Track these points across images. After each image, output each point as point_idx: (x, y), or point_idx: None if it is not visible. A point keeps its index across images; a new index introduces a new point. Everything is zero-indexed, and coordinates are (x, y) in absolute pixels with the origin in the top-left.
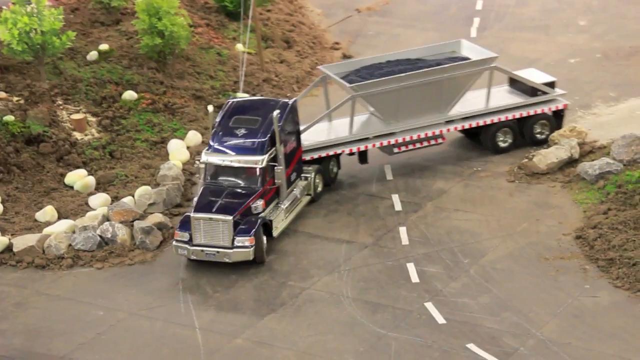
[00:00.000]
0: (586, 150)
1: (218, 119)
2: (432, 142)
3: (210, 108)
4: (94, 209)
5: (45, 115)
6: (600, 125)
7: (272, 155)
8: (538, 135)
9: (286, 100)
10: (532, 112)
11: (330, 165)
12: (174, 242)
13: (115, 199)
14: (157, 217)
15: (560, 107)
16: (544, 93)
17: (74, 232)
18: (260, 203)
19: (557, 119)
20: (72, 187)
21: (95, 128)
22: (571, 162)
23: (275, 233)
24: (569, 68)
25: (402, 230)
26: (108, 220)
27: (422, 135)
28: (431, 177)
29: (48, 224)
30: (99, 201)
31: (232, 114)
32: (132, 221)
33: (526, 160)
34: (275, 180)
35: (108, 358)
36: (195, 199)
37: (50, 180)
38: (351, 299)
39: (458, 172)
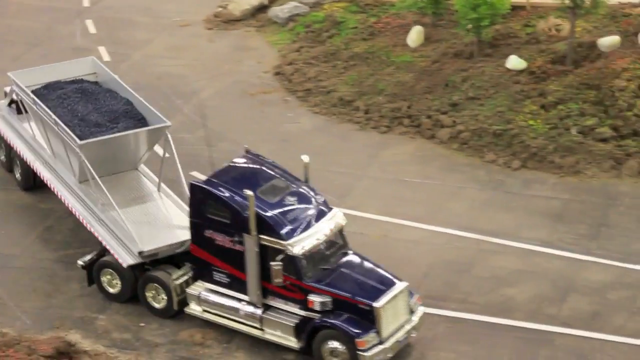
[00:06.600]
0: None
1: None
2: None
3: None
4: None
5: None
6: None
7: None
8: None
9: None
10: None
11: None
12: (366, 354)
13: None
14: None
15: None
16: None
17: None
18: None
19: None
20: None
21: None
22: (262, 8)
23: None
24: None
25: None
26: None
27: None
28: (133, 29)
29: None
30: None
31: (255, 190)
32: None
33: (221, 9)
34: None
35: None
36: (328, 301)
37: None
38: None
39: (158, 23)
